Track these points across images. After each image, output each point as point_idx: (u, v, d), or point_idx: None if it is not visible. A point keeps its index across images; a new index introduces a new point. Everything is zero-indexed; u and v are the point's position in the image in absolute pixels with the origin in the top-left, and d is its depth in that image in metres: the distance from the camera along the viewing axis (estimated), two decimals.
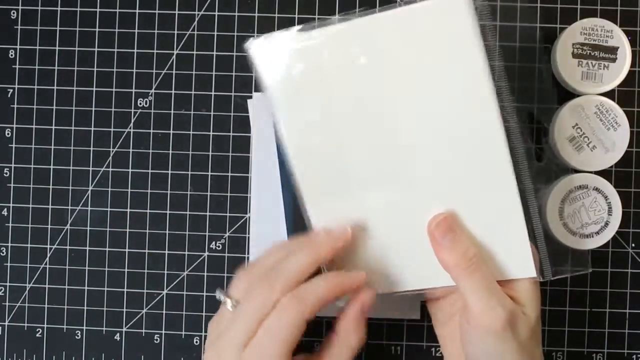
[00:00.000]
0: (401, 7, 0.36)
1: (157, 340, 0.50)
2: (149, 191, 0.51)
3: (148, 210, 0.50)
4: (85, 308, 0.50)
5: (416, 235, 0.40)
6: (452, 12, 0.35)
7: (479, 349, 0.37)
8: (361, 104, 0.39)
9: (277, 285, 0.37)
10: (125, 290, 0.50)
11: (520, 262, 0.38)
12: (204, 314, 0.50)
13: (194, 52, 0.51)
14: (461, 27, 0.35)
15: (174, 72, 0.51)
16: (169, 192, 0.50)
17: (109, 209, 0.51)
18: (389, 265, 0.41)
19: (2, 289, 0.51)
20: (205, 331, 0.50)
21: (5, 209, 0.51)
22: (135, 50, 0.51)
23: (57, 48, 0.51)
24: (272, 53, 0.39)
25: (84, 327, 0.50)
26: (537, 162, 0.40)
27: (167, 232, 0.50)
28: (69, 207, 0.51)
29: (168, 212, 0.50)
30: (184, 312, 0.50)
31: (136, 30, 0.51)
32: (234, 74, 0.50)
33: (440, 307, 0.42)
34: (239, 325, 0.37)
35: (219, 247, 0.50)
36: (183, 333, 0.50)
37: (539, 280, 0.39)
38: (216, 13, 0.51)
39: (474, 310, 0.36)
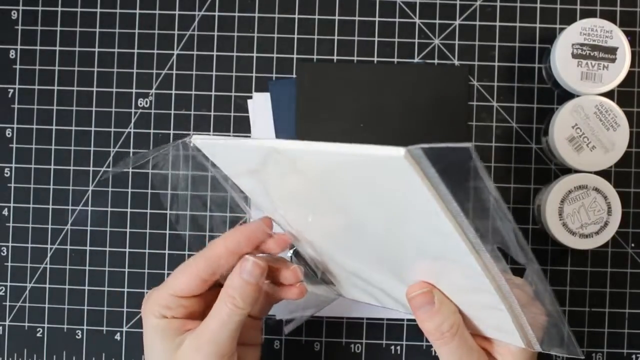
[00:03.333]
0: (347, 149, 0.30)
1: None
2: (149, 191, 0.51)
3: (148, 210, 0.50)
4: (85, 308, 0.51)
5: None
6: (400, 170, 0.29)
7: None
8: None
9: None
10: (125, 290, 0.51)
11: (508, 335, 0.37)
12: None
13: (194, 53, 0.51)
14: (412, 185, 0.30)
15: (174, 72, 0.51)
16: (169, 192, 0.50)
17: (109, 209, 0.51)
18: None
19: (2, 289, 0.51)
20: None
21: (6, 209, 0.51)
22: (135, 51, 0.51)
23: (57, 48, 0.51)
24: (216, 146, 0.38)
25: (85, 327, 0.51)
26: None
27: (167, 232, 0.51)
28: (70, 207, 0.51)
29: (169, 212, 0.50)
30: None
31: (136, 31, 0.51)
32: (234, 74, 0.50)
33: None
34: None
35: None
36: None
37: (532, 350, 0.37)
38: (216, 13, 0.51)
39: None
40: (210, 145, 0.38)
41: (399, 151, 0.28)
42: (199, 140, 0.38)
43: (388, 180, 0.31)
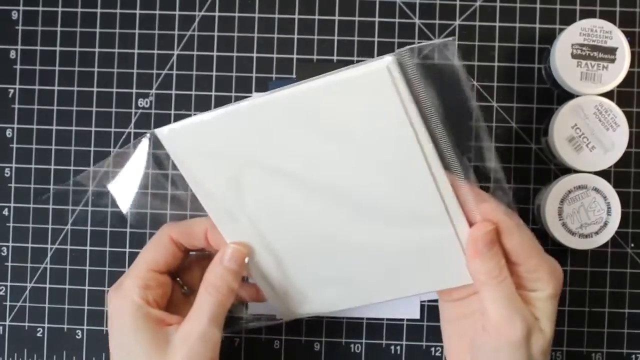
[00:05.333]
0: (320, 80, 0.34)
1: None
2: (149, 191, 0.51)
3: (149, 210, 0.50)
4: (86, 308, 0.51)
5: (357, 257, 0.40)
6: (375, 83, 0.33)
7: (489, 357, 0.37)
8: (288, 171, 0.38)
9: None
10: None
11: (455, 275, 0.39)
12: None
13: (194, 53, 0.51)
14: (388, 98, 0.33)
15: (174, 72, 0.51)
16: (169, 192, 0.50)
17: (109, 209, 0.51)
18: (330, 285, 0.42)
19: (3, 289, 0.51)
20: None
21: (6, 209, 0.51)
22: (135, 51, 0.51)
23: (57, 48, 0.51)
24: (184, 138, 0.38)
25: (85, 327, 0.51)
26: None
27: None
28: (70, 207, 0.51)
29: (168, 212, 0.50)
30: None
31: (137, 31, 0.51)
32: (234, 74, 0.50)
33: (454, 306, 0.42)
34: None
35: None
36: None
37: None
38: (216, 14, 0.51)
39: (494, 319, 0.37)
40: (183, 130, 0.37)
41: (384, 61, 0.32)
42: (165, 130, 0.38)
43: (375, 100, 0.33)
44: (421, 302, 0.49)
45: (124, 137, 0.51)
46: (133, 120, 0.51)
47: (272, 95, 0.35)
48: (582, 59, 0.45)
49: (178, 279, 0.44)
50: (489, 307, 0.37)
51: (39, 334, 0.51)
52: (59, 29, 0.51)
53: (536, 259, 0.38)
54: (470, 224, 0.38)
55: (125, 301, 0.39)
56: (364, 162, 0.36)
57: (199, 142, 0.38)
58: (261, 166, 0.38)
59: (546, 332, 0.38)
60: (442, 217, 0.37)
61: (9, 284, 0.51)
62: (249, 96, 0.50)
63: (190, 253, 0.44)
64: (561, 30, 0.47)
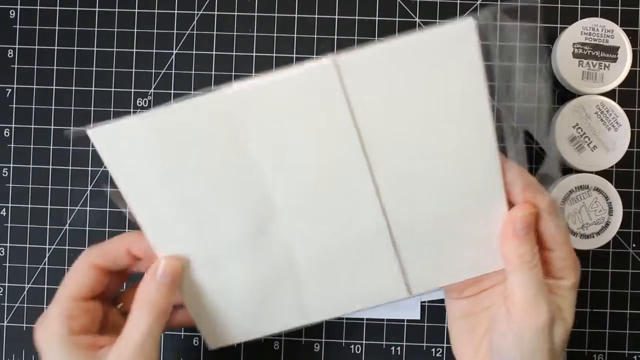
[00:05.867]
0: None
1: None
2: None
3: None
4: None
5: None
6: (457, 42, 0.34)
7: (511, 344, 0.37)
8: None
9: None
10: (123, 290, 0.50)
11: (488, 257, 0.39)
12: None
13: (193, 52, 0.50)
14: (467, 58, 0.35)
15: (173, 71, 0.50)
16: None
17: (107, 209, 0.50)
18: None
19: (0, 289, 0.51)
20: None
21: (4, 209, 0.51)
22: (134, 50, 0.51)
23: (55, 47, 0.51)
24: (117, 139, 0.36)
25: None
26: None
27: None
28: (68, 207, 0.51)
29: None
30: None
31: (135, 30, 0.51)
32: (233, 73, 0.50)
33: (464, 304, 0.42)
34: None
35: None
36: (182, 334, 0.50)
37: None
38: (215, 13, 0.50)
39: (520, 304, 0.37)
40: (117, 130, 0.35)
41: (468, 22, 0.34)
42: (97, 129, 0.35)
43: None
44: (422, 302, 0.49)
45: None
46: None
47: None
48: (584, 58, 0.45)
49: (121, 304, 0.42)
50: (518, 292, 0.37)
51: None
52: (57, 28, 0.51)
53: (568, 247, 0.38)
54: (510, 205, 0.37)
55: (50, 334, 0.37)
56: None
57: (131, 144, 0.36)
58: (202, 169, 0.36)
59: (568, 322, 0.38)
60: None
61: (6, 284, 0.51)
62: None
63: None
64: (562, 29, 0.47)
